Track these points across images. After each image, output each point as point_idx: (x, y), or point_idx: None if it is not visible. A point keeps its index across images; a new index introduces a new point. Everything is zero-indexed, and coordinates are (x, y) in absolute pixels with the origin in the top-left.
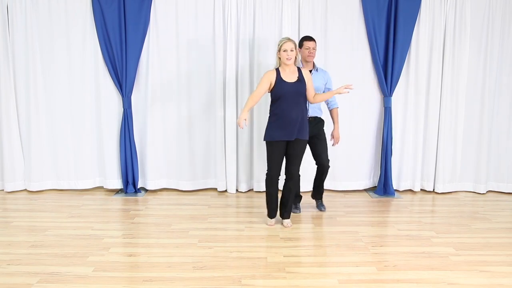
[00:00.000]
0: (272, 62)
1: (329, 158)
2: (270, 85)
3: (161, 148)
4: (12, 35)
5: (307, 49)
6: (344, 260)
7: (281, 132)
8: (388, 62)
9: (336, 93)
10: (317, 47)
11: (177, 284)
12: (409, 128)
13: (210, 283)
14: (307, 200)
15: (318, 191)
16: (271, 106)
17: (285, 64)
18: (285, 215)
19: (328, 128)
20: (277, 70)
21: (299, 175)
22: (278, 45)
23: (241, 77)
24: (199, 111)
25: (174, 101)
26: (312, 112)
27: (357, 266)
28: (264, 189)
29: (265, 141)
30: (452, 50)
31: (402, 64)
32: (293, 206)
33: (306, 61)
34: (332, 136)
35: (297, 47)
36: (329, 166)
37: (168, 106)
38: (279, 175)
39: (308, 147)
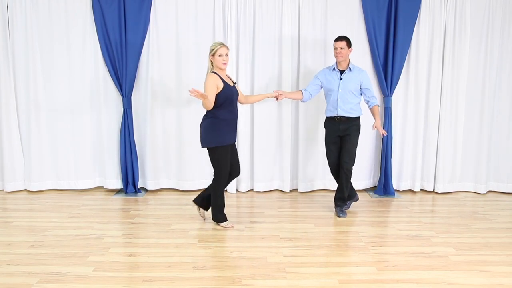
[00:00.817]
0: (272, 62)
1: (354, 161)
2: (217, 89)
3: (161, 148)
4: (12, 35)
5: (335, 49)
6: (344, 260)
7: (232, 135)
8: (388, 62)
9: (267, 96)
10: (348, 46)
11: (177, 284)
12: (409, 128)
13: (210, 283)
14: (307, 200)
15: (337, 196)
16: (215, 111)
17: (220, 69)
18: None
19: None
20: (216, 73)
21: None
22: (212, 49)
23: (241, 77)
24: (199, 111)
25: (174, 101)
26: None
27: (357, 266)
28: (264, 189)
29: (216, 147)
30: (452, 50)
31: (402, 64)
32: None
33: (337, 61)
34: (375, 127)
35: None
36: (349, 170)
37: (168, 106)
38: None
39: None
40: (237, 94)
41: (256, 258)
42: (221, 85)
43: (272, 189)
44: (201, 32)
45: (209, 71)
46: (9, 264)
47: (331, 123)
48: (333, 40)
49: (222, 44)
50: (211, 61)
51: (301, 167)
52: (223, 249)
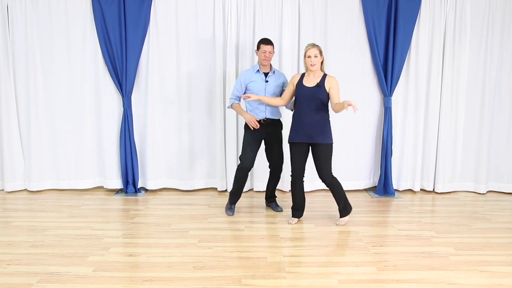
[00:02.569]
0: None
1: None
2: (293, 87)
3: (161, 148)
4: (12, 35)
5: (263, 52)
6: (344, 260)
7: (295, 135)
8: (388, 62)
9: (348, 105)
10: (274, 51)
11: (177, 284)
12: (409, 128)
13: (210, 283)
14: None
15: (271, 194)
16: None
17: (310, 70)
18: (343, 213)
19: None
20: (302, 74)
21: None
22: (304, 51)
23: None
24: (199, 111)
25: (174, 101)
26: (268, 114)
27: (357, 266)
28: (265, 189)
29: (289, 143)
30: (452, 50)
31: (402, 64)
32: (227, 207)
33: (263, 64)
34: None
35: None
36: (281, 171)
37: (168, 106)
38: (302, 175)
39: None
40: (312, 96)
41: (256, 258)
42: (295, 85)
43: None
44: (201, 32)
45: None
46: (9, 264)
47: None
48: (258, 42)
49: (312, 45)
50: (304, 62)
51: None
52: (223, 249)
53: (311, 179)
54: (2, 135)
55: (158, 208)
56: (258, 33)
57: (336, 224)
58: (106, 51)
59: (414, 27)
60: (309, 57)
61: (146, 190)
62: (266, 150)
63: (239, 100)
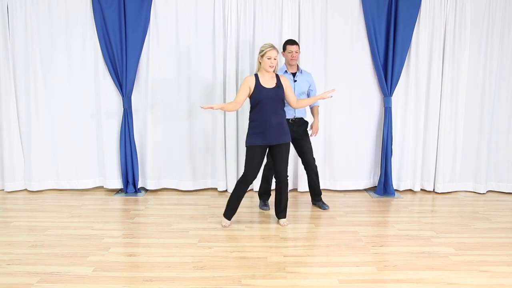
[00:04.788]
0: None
1: (314, 157)
2: (250, 90)
3: (161, 148)
4: (12, 35)
5: (290, 52)
6: (344, 260)
7: (262, 138)
8: (388, 62)
9: (320, 98)
10: (300, 51)
11: (177, 284)
12: (409, 128)
13: (210, 283)
14: (307, 200)
15: (315, 193)
16: (250, 112)
17: (266, 71)
18: (281, 215)
19: (328, 132)
20: (256, 75)
21: (287, 176)
22: (262, 51)
23: (241, 77)
24: (199, 110)
25: (174, 101)
26: (297, 113)
27: (357, 266)
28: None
29: (246, 146)
30: (452, 51)
31: (402, 64)
32: (261, 203)
33: (290, 64)
34: (311, 127)
35: (279, 52)
36: (316, 166)
37: (168, 106)
38: (255, 178)
39: (293, 147)
40: (275, 97)
41: (256, 257)
42: (253, 87)
43: (272, 188)
44: (201, 32)
45: (256, 71)
46: (9, 264)
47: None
48: (284, 43)
49: (273, 47)
50: (259, 62)
51: (301, 167)
52: (223, 249)
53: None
54: (2, 135)
55: (158, 208)
56: (258, 33)
57: (283, 225)
58: (106, 51)
59: (414, 27)
60: (269, 58)
61: (146, 190)
62: (296, 148)
63: None
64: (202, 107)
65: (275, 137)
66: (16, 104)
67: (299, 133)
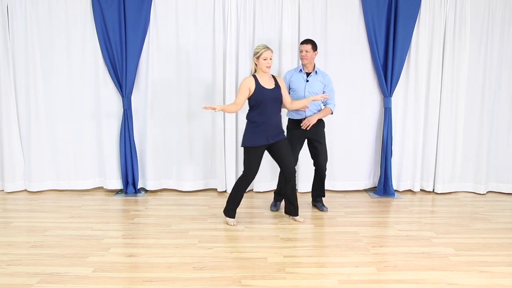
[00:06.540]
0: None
1: (327, 159)
2: (250, 92)
3: (161, 148)
4: (12, 35)
5: (301, 52)
6: (344, 260)
7: (264, 138)
8: (388, 62)
9: (312, 100)
10: (313, 49)
11: (177, 285)
12: (409, 128)
13: (210, 284)
14: (307, 200)
15: (320, 193)
16: (249, 112)
17: (263, 72)
18: (296, 212)
19: (328, 133)
20: (254, 76)
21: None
22: (257, 52)
23: (241, 77)
24: (199, 111)
25: (174, 101)
26: (308, 113)
27: (357, 267)
28: (264, 190)
29: (245, 147)
30: (452, 50)
31: (402, 64)
32: (273, 204)
33: (303, 64)
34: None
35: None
36: (325, 169)
37: (168, 106)
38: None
39: (307, 148)
40: (275, 97)
41: (256, 258)
42: (253, 89)
43: (272, 189)
44: (201, 32)
45: (251, 73)
46: (9, 265)
47: (298, 125)
48: (300, 42)
49: (267, 48)
50: (255, 64)
51: (301, 167)
52: (223, 249)
53: (309, 180)
54: (2, 135)
55: (158, 208)
56: (258, 33)
57: (301, 221)
58: (106, 52)
59: (414, 27)
60: (265, 59)
61: (146, 190)
62: (310, 148)
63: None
64: (204, 108)
65: (273, 136)
66: (16, 104)
67: (315, 133)
